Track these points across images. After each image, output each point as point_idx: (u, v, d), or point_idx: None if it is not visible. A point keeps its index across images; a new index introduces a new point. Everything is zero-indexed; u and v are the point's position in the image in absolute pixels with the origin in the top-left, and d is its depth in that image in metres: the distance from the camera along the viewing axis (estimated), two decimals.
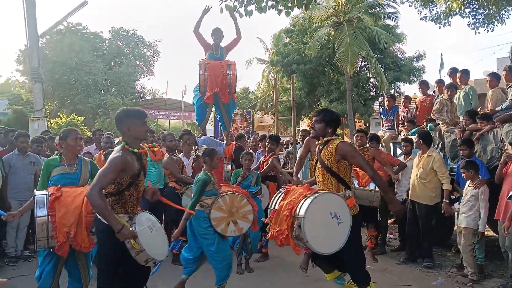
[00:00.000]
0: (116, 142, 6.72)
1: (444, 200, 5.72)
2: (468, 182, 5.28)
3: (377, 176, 3.56)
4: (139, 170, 3.22)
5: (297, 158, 5.43)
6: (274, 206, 3.57)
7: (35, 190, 3.65)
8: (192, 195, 4.58)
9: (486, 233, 5.69)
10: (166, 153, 6.72)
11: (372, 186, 5.39)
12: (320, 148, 3.63)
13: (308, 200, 3.26)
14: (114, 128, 25.80)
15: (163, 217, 6.90)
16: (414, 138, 6.52)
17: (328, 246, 3.30)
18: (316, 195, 3.31)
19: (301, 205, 3.27)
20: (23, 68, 30.31)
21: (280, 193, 3.65)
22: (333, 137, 3.61)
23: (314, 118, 3.69)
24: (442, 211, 5.73)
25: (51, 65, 27.99)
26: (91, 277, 3.85)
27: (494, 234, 7.00)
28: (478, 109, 6.74)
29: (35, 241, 3.48)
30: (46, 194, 3.49)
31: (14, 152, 6.04)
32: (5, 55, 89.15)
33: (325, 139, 3.59)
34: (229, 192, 4.68)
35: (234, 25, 7.61)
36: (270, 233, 3.50)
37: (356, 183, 5.61)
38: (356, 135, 6.20)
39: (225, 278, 4.54)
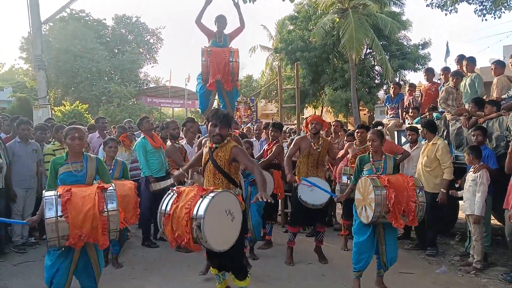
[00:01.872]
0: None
1: (441, 189, 5.70)
2: (470, 168, 5.26)
3: (257, 171, 3.67)
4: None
5: (286, 157, 5.63)
6: (165, 209, 3.44)
7: (44, 191, 3.54)
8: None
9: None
10: (169, 141, 6.72)
11: None
12: (213, 149, 3.72)
13: (206, 200, 3.25)
14: (118, 116, 25.89)
15: None
16: (419, 127, 6.47)
17: (224, 243, 3.38)
18: (212, 194, 3.31)
19: (199, 206, 3.24)
20: (26, 56, 30.32)
21: (170, 196, 3.51)
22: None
23: (220, 125, 3.66)
24: (437, 200, 5.72)
25: (55, 53, 28.00)
26: (102, 269, 3.83)
27: (498, 223, 7.00)
28: (484, 97, 6.68)
29: (46, 240, 3.29)
30: (55, 195, 3.38)
31: (16, 139, 6.04)
32: (9, 43, 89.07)
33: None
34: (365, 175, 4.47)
35: (238, 14, 7.51)
36: (167, 237, 3.42)
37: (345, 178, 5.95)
38: (357, 131, 6.13)
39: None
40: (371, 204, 4.14)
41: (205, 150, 3.85)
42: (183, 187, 3.60)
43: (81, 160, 3.78)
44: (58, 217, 3.27)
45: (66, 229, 3.28)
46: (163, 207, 3.45)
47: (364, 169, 4.55)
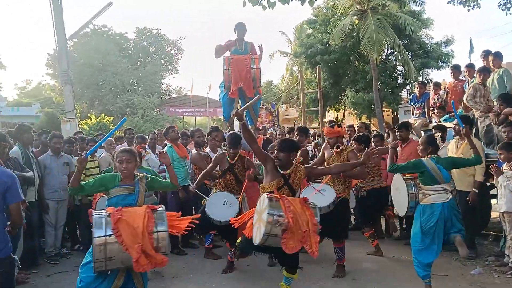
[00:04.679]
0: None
1: (473, 189, 5.52)
2: (504, 165, 5.09)
3: (337, 168, 4.71)
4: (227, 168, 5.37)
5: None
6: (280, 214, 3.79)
7: (93, 211, 3.48)
8: None
9: None
10: (194, 149, 6.79)
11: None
12: (287, 176, 4.16)
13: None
14: (142, 127, 26.30)
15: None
16: (452, 124, 6.28)
17: None
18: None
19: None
20: (52, 72, 31.17)
21: (275, 201, 3.87)
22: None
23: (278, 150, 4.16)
24: (468, 198, 5.55)
25: (79, 68, 28.68)
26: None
27: None
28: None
29: (93, 262, 3.19)
30: (105, 215, 3.32)
31: (48, 153, 6.20)
32: (35, 60, 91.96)
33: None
34: None
35: (260, 51, 7.58)
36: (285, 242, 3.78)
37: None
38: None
39: None
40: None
41: (273, 172, 4.16)
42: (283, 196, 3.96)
43: (132, 183, 3.66)
44: (107, 236, 3.20)
45: (114, 251, 3.19)
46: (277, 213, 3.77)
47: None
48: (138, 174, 3.79)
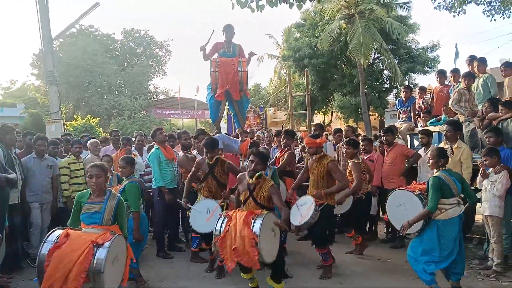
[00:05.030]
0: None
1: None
2: (490, 169, 5.14)
3: (285, 211, 4.29)
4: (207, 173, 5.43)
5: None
6: (220, 230, 4.10)
7: (52, 231, 3.54)
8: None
9: None
10: (181, 151, 6.75)
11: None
12: (252, 187, 4.34)
13: (259, 221, 3.96)
14: (128, 129, 26.08)
15: (179, 215, 6.96)
16: (442, 128, 6.33)
17: (271, 256, 4.06)
18: (263, 216, 4.03)
19: (253, 225, 3.94)
20: (38, 72, 30.72)
21: (222, 219, 4.19)
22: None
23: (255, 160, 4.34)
24: None
25: (65, 68, 28.26)
26: None
27: None
28: (497, 97, 6.60)
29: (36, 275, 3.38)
30: (55, 239, 3.39)
31: (32, 155, 6.09)
32: (20, 60, 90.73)
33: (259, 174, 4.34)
34: None
35: (249, 57, 7.56)
36: (222, 255, 4.06)
37: None
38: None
39: None
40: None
41: (242, 187, 4.43)
42: (231, 212, 4.28)
43: (101, 200, 3.70)
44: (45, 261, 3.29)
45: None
46: (218, 229, 4.14)
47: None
48: (111, 189, 3.83)
